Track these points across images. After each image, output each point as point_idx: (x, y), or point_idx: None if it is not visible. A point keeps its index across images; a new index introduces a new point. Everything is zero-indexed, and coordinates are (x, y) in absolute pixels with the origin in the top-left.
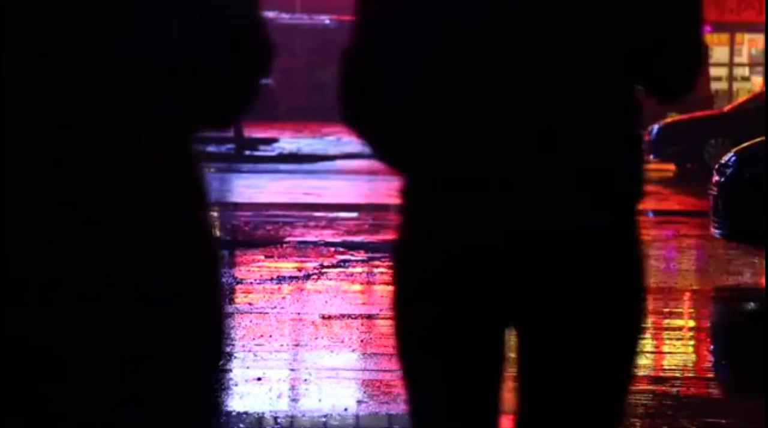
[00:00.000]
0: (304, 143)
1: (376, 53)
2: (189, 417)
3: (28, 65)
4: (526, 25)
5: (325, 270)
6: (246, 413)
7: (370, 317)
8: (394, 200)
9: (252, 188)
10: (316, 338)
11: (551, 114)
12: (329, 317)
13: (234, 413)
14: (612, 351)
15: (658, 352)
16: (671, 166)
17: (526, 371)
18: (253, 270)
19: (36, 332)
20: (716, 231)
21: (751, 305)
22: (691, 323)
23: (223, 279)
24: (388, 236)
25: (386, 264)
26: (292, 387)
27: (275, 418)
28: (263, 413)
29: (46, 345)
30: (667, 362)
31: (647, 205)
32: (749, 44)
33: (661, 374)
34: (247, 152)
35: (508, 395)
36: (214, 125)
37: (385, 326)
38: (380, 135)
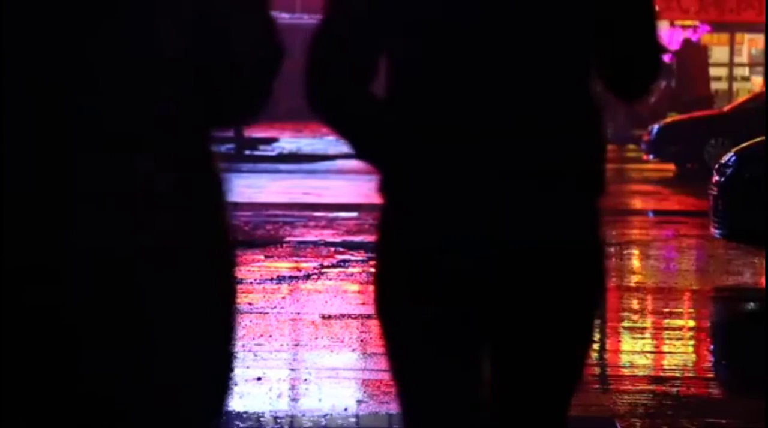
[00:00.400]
0: (304, 143)
1: (343, 44)
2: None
3: (35, 65)
4: (494, 32)
5: (325, 270)
6: (246, 413)
7: (370, 317)
8: None
9: (252, 188)
10: (316, 338)
11: (518, 117)
12: (329, 317)
13: (234, 413)
14: (576, 349)
15: (658, 352)
16: (671, 166)
17: (496, 369)
18: (253, 270)
19: (58, 312)
20: (716, 231)
21: (751, 305)
22: (691, 323)
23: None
24: None
25: None
26: (292, 387)
27: (275, 418)
28: (263, 413)
29: (70, 323)
30: (667, 362)
31: (647, 204)
32: (749, 44)
33: (661, 374)
34: (247, 152)
35: None
36: (226, 126)
37: None
38: (357, 130)
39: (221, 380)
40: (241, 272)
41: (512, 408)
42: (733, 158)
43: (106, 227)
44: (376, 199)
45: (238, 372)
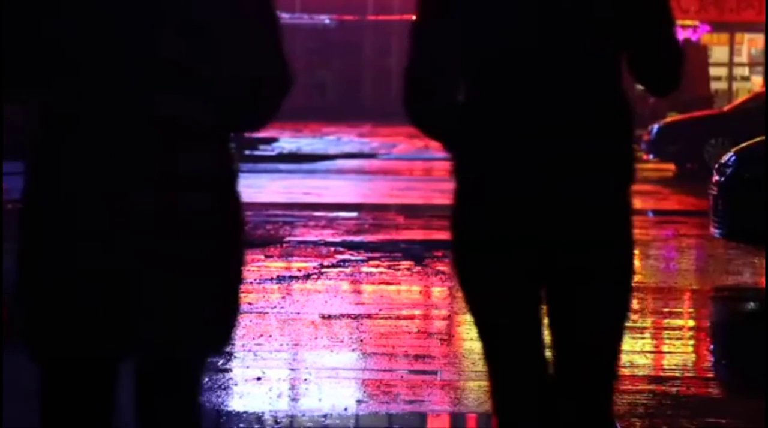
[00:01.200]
0: (304, 143)
1: (435, 68)
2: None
3: (136, 70)
4: (546, 53)
5: (325, 270)
6: (246, 413)
7: (370, 317)
8: (394, 200)
9: (252, 188)
10: (316, 338)
11: (570, 112)
12: (329, 317)
13: (234, 412)
14: (621, 295)
15: (658, 352)
16: (671, 166)
17: (554, 315)
18: (253, 270)
19: (136, 256)
20: (716, 231)
21: (751, 305)
22: (691, 323)
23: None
24: (388, 236)
25: (386, 264)
26: (292, 387)
27: (275, 418)
28: (263, 413)
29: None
30: (667, 362)
31: (647, 204)
32: (749, 44)
33: (661, 374)
34: (247, 152)
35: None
36: (245, 131)
37: (384, 326)
38: (434, 123)
39: (232, 311)
40: None
41: (567, 354)
42: (733, 158)
43: (162, 198)
44: (376, 198)
45: (238, 372)
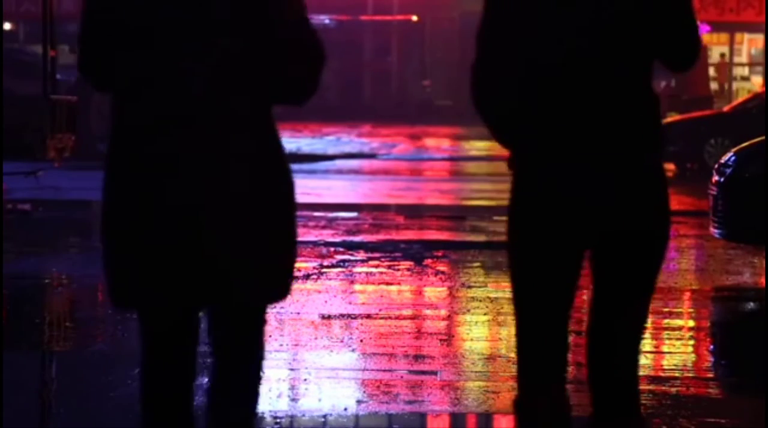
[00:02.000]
0: (304, 143)
1: (495, 61)
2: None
3: (199, 69)
4: (588, 62)
5: (324, 270)
6: None
7: (370, 317)
8: (394, 200)
9: None
10: (316, 338)
11: (611, 109)
12: (329, 317)
13: None
14: (655, 265)
15: (658, 352)
16: (671, 166)
17: (599, 275)
18: None
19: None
20: (716, 231)
21: (751, 305)
22: (691, 323)
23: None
24: (388, 236)
25: (386, 263)
26: (292, 387)
27: (275, 418)
28: (263, 413)
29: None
30: (667, 362)
31: None
32: (749, 44)
33: (661, 374)
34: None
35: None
36: (292, 103)
37: (384, 326)
38: (504, 125)
39: (291, 265)
40: None
41: (603, 321)
42: (733, 158)
43: (225, 169)
44: (376, 199)
45: None
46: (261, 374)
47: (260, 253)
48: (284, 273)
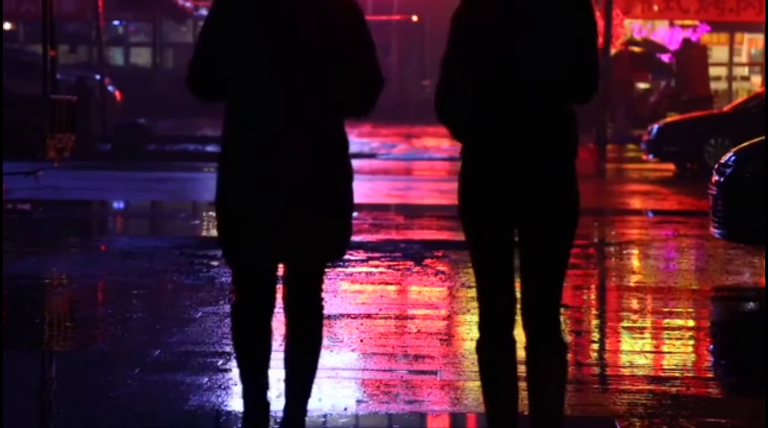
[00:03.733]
0: None
1: (452, 81)
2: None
3: (282, 87)
4: (517, 71)
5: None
6: None
7: (369, 317)
8: (394, 200)
9: None
10: None
11: (533, 123)
12: (329, 317)
13: (234, 412)
14: (567, 238)
15: (658, 352)
16: (671, 166)
17: (524, 248)
18: None
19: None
20: (716, 231)
21: (751, 305)
22: (691, 323)
23: None
24: (388, 236)
25: (386, 263)
26: None
27: (275, 418)
28: None
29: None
30: (667, 362)
31: (647, 204)
32: (749, 44)
33: (661, 374)
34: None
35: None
36: (355, 116)
37: (384, 326)
38: (458, 131)
39: (348, 234)
40: None
41: (529, 282)
42: (733, 158)
43: (301, 160)
44: (376, 199)
45: (238, 372)
46: (322, 308)
47: (329, 222)
48: (343, 240)
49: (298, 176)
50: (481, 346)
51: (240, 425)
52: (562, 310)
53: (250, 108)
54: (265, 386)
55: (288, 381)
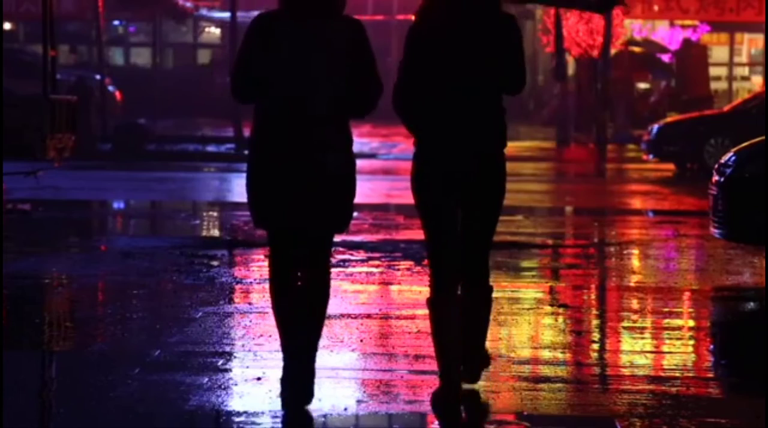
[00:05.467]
0: None
1: (408, 83)
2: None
3: (303, 94)
4: (464, 73)
5: None
6: (246, 413)
7: (369, 317)
8: (394, 200)
9: None
10: None
11: (474, 106)
12: (329, 317)
13: (234, 412)
14: (496, 207)
15: (658, 352)
16: (671, 166)
17: (463, 215)
18: (253, 270)
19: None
20: (716, 231)
21: (751, 305)
22: (691, 323)
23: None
24: (388, 236)
25: (386, 263)
26: None
27: (275, 418)
28: (263, 413)
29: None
30: (667, 362)
31: (647, 204)
32: (749, 44)
33: (661, 374)
34: (247, 152)
35: None
36: (358, 117)
37: (384, 326)
38: (410, 119)
39: (351, 210)
40: (241, 272)
41: (468, 234)
42: (733, 158)
43: (317, 157)
44: (376, 199)
45: (238, 372)
46: (329, 271)
47: (336, 201)
48: (347, 214)
49: (314, 162)
50: (434, 301)
51: (240, 425)
52: (561, 310)
53: (278, 109)
54: (295, 319)
55: (303, 323)
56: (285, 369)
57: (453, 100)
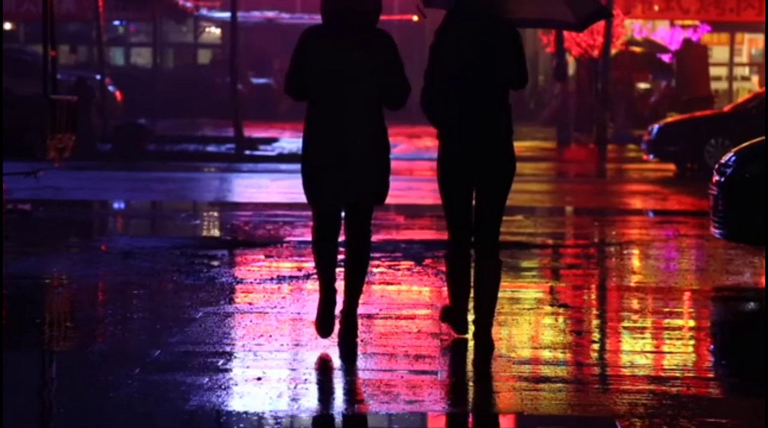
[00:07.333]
0: None
1: (433, 88)
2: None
3: (343, 95)
4: (474, 74)
5: None
6: (246, 413)
7: (370, 317)
8: (394, 200)
9: (252, 188)
10: (316, 338)
11: (486, 103)
12: None
13: (234, 412)
14: (506, 189)
15: (658, 352)
16: (671, 166)
17: (478, 193)
18: (253, 270)
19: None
20: (716, 231)
21: (751, 305)
22: (691, 323)
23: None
24: (388, 236)
25: (386, 264)
26: (292, 387)
27: (275, 418)
28: (263, 413)
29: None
30: (667, 362)
31: (647, 204)
32: (749, 44)
33: (661, 374)
34: (247, 152)
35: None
36: (394, 109)
37: (385, 326)
38: (439, 121)
39: (387, 183)
40: (241, 272)
41: (481, 215)
42: (733, 158)
43: (359, 145)
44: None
45: (238, 372)
46: (371, 237)
47: (375, 178)
48: (385, 190)
49: (358, 147)
50: (450, 256)
51: (240, 425)
52: (562, 310)
53: (329, 104)
54: (333, 278)
55: (346, 285)
56: (323, 306)
57: (469, 100)
